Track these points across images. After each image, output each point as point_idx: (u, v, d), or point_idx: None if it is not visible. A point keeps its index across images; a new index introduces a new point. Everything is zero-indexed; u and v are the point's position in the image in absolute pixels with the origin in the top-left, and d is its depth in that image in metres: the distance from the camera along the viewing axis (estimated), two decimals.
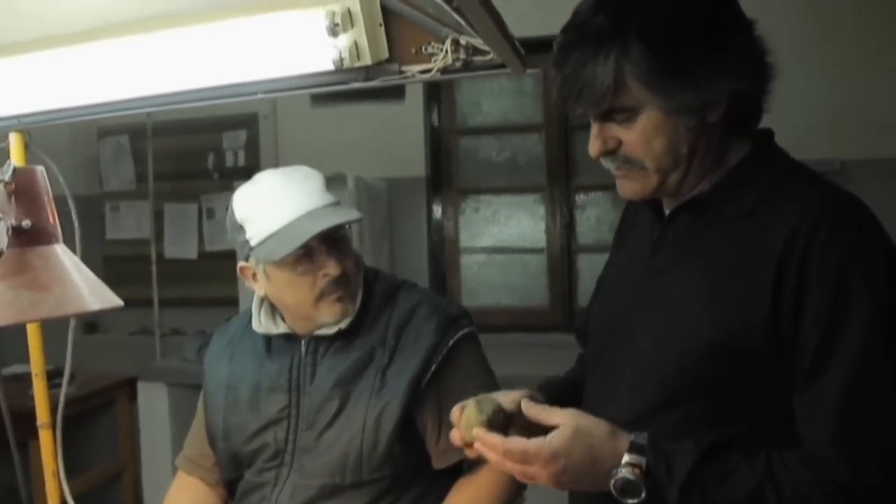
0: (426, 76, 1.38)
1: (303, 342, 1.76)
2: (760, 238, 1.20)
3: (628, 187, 1.29)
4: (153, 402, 3.99)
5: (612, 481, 1.15)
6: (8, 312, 1.03)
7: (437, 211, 4.30)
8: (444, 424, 1.67)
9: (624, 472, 1.14)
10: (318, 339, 1.74)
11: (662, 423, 1.22)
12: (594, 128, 1.25)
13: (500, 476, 1.69)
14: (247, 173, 4.19)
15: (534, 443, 1.17)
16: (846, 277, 1.13)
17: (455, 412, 1.33)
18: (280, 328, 1.78)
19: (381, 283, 1.81)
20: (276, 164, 4.26)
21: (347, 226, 1.71)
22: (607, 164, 1.27)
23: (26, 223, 1.08)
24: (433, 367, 1.70)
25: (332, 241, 1.67)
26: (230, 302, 3.85)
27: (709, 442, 1.16)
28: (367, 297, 1.77)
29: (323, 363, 1.74)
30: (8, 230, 1.04)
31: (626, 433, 1.18)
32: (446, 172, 4.30)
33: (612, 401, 1.31)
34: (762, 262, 1.18)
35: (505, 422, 1.27)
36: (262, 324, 1.79)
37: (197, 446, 1.91)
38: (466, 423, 1.27)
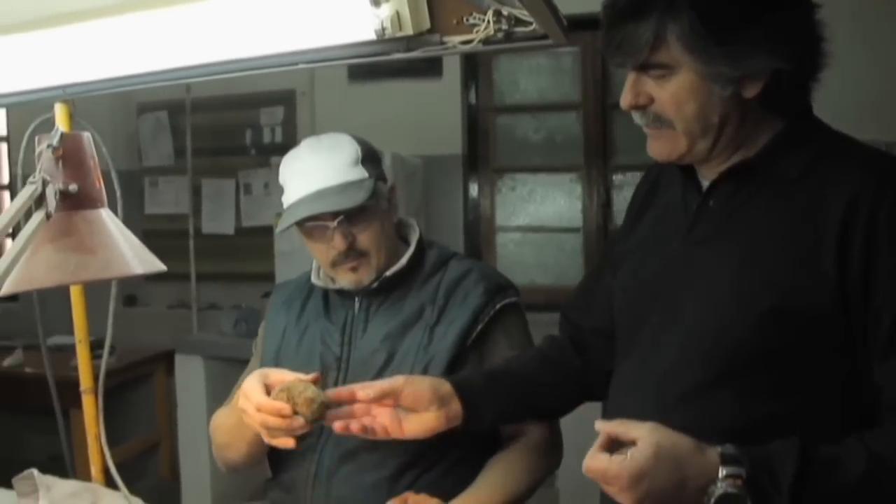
0: (467, 47, 1.36)
1: (357, 298, 1.80)
2: (815, 203, 1.19)
3: (657, 147, 1.30)
4: (190, 374, 4.05)
5: (713, 499, 1.08)
6: (55, 274, 1.05)
7: (474, 189, 4.30)
8: None
9: (724, 487, 1.08)
10: (372, 297, 1.79)
11: (715, 399, 1.22)
12: (629, 78, 1.26)
13: (533, 454, 1.73)
14: (284, 149, 4.21)
15: (615, 462, 1.11)
16: None
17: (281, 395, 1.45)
18: (332, 284, 1.83)
19: (435, 251, 1.86)
20: None
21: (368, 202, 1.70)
22: (638, 118, 1.28)
23: (73, 187, 1.10)
24: (479, 328, 1.73)
25: (343, 216, 1.70)
26: (266, 277, 3.88)
27: (800, 441, 1.12)
28: (419, 261, 1.82)
29: (374, 319, 1.78)
30: (56, 194, 1.05)
31: (711, 446, 1.12)
32: (483, 150, 4.30)
33: (654, 380, 1.30)
34: (821, 227, 1.17)
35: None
36: (320, 278, 1.85)
37: None
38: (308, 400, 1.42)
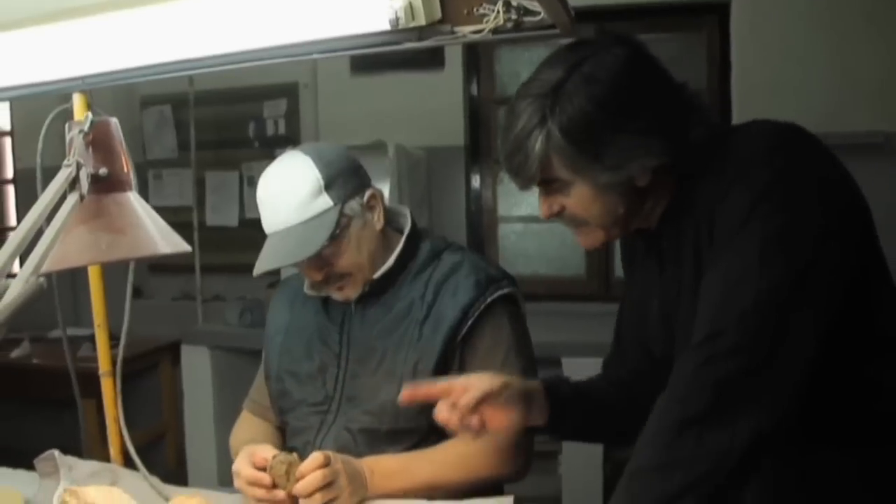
0: (477, 37, 1.41)
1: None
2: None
3: (583, 240, 1.41)
4: (196, 364, 4.07)
5: None
6: (89, 254, 1.09)
7: (476, 180, 4.34)
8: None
9: None
10: (368, 295, 1.79)
11: None
12: (540, 195, 1.37)
13: (491, 453, 1.72)
14: (287, 142, 4.31)
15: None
16: None
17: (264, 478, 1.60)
18: (323, 293, 1.84)
19: (428, 242, 1.86)
20: (316, 132, 4.30)
21: (337, 226, 1.70)
22: (560, 221, 1.39)
23: (103, 171, 1.14)
24: (469, 322, 1.73)
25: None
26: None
27: None
28: (412, 254, 1.82)
29: (369, 316, 1.80)
30: (88, 177, 1.10)
31: None
32: (485, 142, 4.33)
33: None
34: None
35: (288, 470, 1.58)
36: (313, 288, 1.85)
37: (259, 389, 1.98)
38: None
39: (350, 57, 4.20)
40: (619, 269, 4.09)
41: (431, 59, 4.16)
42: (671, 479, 1.16)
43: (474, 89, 4.31)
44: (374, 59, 4.14)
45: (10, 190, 5.30)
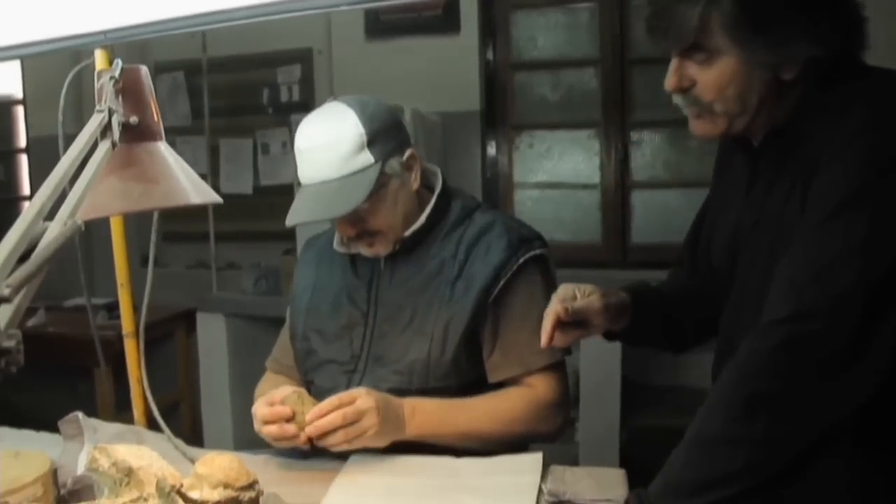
0: None
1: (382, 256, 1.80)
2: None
3: (698, 127, 1.35)
4: (212, 332, 4.09)
5: None
6: (121, 203, 1.07)
7: (492, 146, 4.30)
8: (500, 339, 1.74)
9: None
10: (398, 253, 1.78)
11: None
12: (673, 63, 1.31)
13: (530, 405, 1.73)
14: (301, 108, 4.27)
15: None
16: None
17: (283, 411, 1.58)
18: (353, 249, 1.83)
19: (460, 201, 1.84)
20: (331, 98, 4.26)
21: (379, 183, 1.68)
22: (678, 100, 1.33)
23: (133, 119, 1.12)
24: (501, 283, 1.72)
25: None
26: (285, 236, 3.90)
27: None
28: (443, 213, 1.80)
29: (398, 275, 1.79)
30: (118, 125, 1.07)
31: None
32: (501, 107, 4.29)
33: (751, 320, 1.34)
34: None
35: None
36: (343, 245, 1.84)
37: (282, 348, 1.98)
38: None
39: (365, 22, 4.18)
40: (636, 236, 4.15)
41: (447, 24, 4.12)
42: (735, 456, 1.14)
43: (490, 54, 4.25)
44: (388, 24, 4.11)
45: (24, 159, 5.27)
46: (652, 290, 1.66)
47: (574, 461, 3.67)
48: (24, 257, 0.73)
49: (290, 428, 1.57)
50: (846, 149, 1.19)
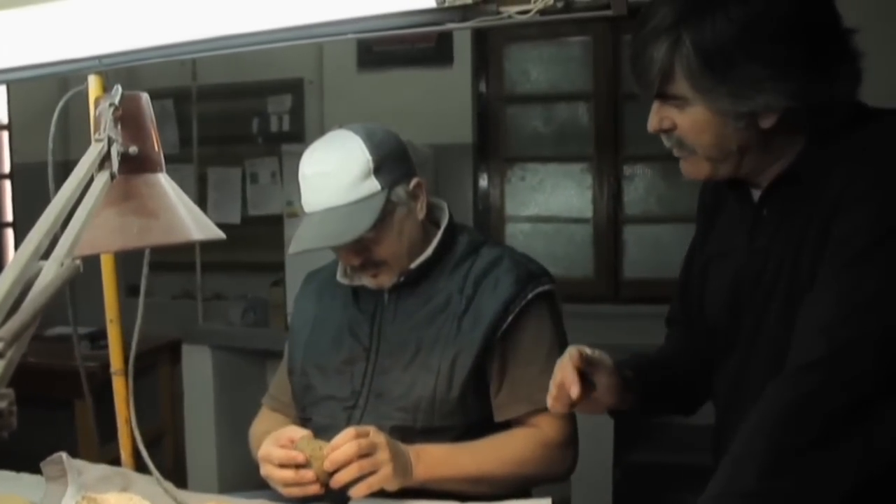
0: (525, 17, 1.34)
1: (385, 289, 1.76)
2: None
3: (685, 168, 1.33)
4: (197, 364, 4.02)
5: None
6: (119, 239, 1.01)
7: (484, 179, 4.27)
8: (507, 377, 1.70)
9: None
10: (401, 286, 1.74)
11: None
12: (654, 104, 1.28)
13: (536, 447, 1.68)
14: (291, 138, 4.22)
15: None
16: None
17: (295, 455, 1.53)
18: (357, 282, 1.80)
19: (466, 235, 1.81)
20: (321, 128, 4.22)
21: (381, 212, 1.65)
22: (665, 141, 1.31)
23: (133, 149, 1.06)
24: (509, 319, 1.69)
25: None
26: (273, 267, 3.84)
27: None
28: (450, 247, 1.77)
29: (403, 308, 1.75)
30: (118, 155, 1.01)
31: None
32: (493, 140, 4.26)
33: (758, 378, 1.29)
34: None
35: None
36: (346, 276, 1.81)
37: (280, 384, 1.93)
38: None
39: (357, 52, 4.16)
40: (629, 271, 4.12)
41: (440, 56, 4.10)
42: None
43: (483, 87, 4.23)
44: (381, 55, 4.09)
45: (7, 185, 5.18)
46: (655, 362, 1.61)
47: (567, 499, 3.61)
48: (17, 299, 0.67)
49: (309, 474, 1.52)
50: (872, 189, 1.15)
